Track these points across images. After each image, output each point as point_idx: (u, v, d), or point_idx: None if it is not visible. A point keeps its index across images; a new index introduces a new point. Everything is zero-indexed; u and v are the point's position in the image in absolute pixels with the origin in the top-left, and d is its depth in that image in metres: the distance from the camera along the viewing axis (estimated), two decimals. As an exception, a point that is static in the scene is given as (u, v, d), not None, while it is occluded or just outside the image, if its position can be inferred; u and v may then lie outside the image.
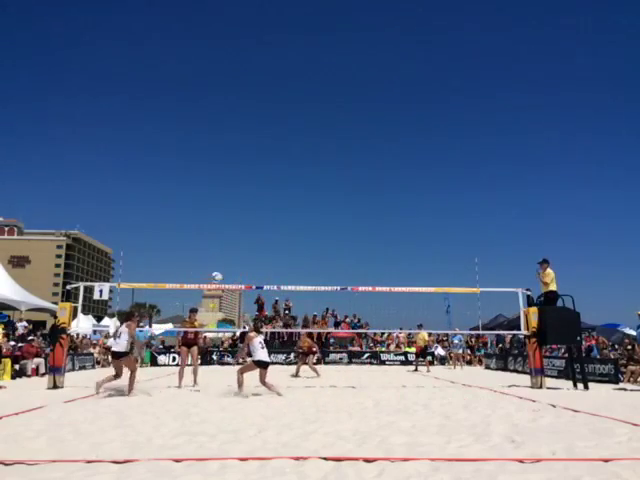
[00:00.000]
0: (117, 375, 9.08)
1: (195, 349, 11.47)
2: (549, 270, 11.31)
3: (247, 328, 15.86)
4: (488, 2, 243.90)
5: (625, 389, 10.97)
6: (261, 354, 9.05)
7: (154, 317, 47.77)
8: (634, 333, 15.85)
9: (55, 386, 10.34)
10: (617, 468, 3.70)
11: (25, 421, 6.01)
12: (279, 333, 23.80)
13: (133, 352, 8.59)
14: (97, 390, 8.95)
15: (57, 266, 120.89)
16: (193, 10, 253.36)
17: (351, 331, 23.99)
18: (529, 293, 11.79)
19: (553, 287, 11.31)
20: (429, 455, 4.12)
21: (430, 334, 24.11)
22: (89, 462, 3.90)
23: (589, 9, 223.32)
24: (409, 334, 23.70)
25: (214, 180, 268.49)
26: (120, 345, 8.95)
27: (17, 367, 14.36)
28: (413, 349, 21.75)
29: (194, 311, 12.10)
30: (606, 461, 3.93)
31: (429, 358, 22.81)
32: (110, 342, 8.84)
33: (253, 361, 9.17)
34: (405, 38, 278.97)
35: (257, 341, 9.14)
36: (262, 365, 9.07)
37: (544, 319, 11.07)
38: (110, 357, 12.13)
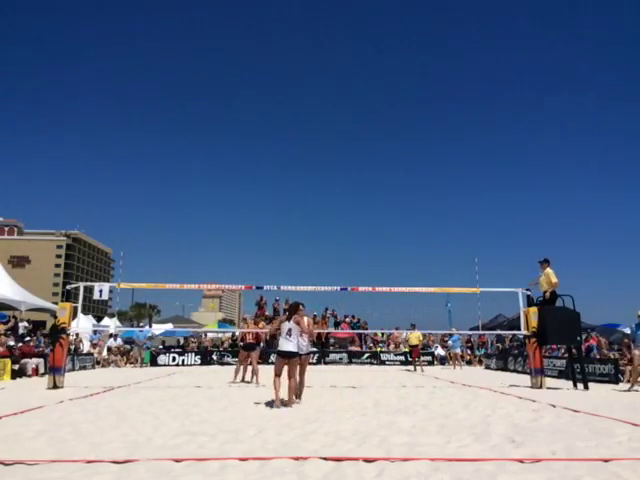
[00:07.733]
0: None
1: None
2: (548, 269, 11.27)
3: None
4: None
5: (625, 389, 10.96)
6: (284, 343, 7.53)
7: (154, 317, 47.82)
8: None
9: (55, 386, 10.34)
10: (617, 468, 3.70)
11: (25, 421, 6.00)
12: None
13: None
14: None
15: (57, 266, 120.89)
16: (192, 13, 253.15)
17: (351, 331, 23.97)
18: (529, 293, 11.77)
19: (548, 287, 11.24)
20: (429, 455, 4.11)
21: (430, 334, 24.18)
22: (89, 462, 3.90)
23: (588, 11, 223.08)
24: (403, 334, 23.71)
25: (214, 179, 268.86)
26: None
27: (17, 367, 14.36)
28: (407, 349, 21.72)
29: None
30: (606, 461, 3.93)
31: (429, 358, 22.88)
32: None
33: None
34: (404, 40, 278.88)
35: (284, 328, 7.58)
36: (285, 356, 7.57)
37: (544, 319, 11.06)
38: None
